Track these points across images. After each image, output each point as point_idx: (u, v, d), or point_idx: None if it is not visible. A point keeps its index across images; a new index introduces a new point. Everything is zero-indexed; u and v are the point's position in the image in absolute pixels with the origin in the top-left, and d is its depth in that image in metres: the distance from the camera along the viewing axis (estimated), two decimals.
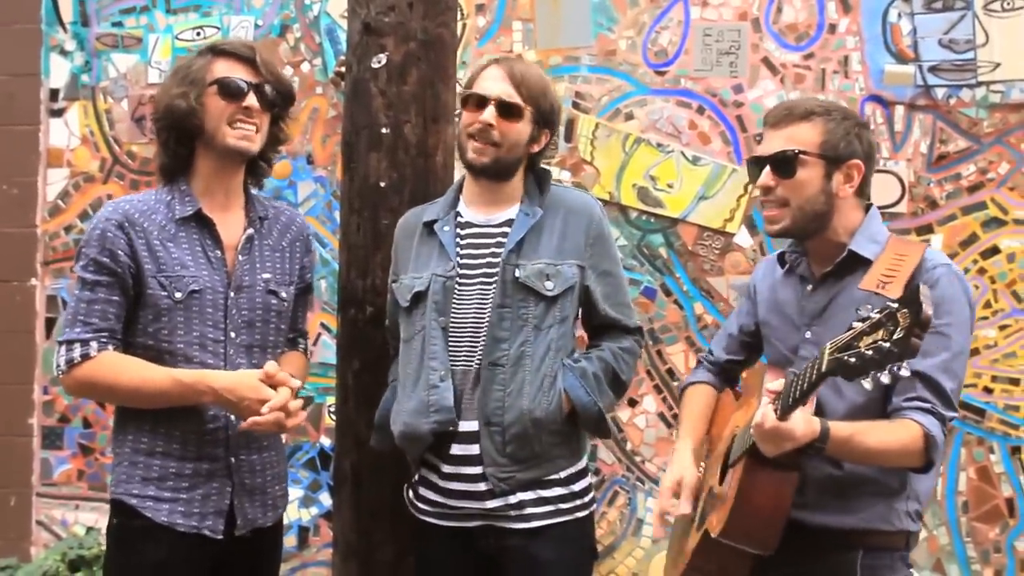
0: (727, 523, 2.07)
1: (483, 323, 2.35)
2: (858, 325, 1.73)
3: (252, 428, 2.25)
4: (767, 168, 2.21)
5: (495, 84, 2.38)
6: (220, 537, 2.34)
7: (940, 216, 3.78)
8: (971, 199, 3.77)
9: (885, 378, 1.68)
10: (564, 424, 2.38)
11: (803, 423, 1.93)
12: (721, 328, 2.66)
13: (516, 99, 2.37)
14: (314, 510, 4.28)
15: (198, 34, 4.47)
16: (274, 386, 2.28)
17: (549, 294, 2.36)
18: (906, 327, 1.63)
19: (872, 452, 2.04)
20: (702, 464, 2.43)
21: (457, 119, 2.56)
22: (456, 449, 2.36)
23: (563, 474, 2.41)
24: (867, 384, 1.71)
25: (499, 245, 2.39)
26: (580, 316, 2.53)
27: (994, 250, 3.74)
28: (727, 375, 2.58)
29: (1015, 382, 3.71)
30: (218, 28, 4.45)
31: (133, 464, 2.34)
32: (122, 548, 2.37)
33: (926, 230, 3.77)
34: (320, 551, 4.26)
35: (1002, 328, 3.71)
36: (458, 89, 2.89)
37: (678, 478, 2.34)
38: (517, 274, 2.35)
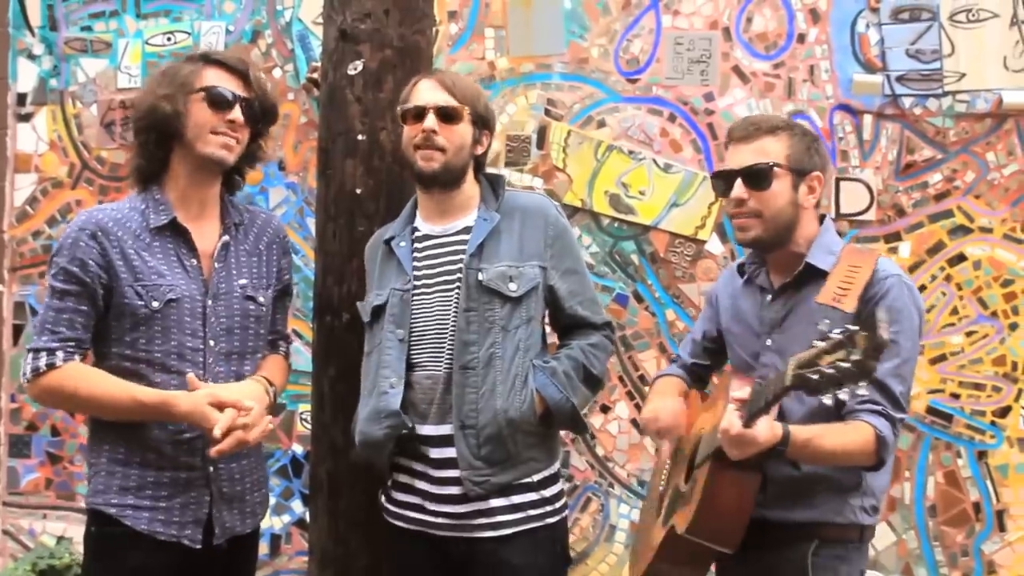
0: (692, 522, 2.17)
1: (445, 328, 2.38)
2: (819, 344, 1.84)
3: (216, 456, 2.25)
4: (738, 181, 2.30)
5: (430, 94, 2.43)
6: (199, 547, 2.33)
7: (907, 224, 3.83)
8: (938, 207, 3.82)
9: (844, 395, 1.82)
10: (538, 425, 2.39)
11: (766, 429, 2.04)
12: (688, 333, 2.76)
13: (453, 102, 2.41)
14: (286, 518, 4.26)
15: (168, 39, 4.44)
16: (223, 408, 2.26)
17: (513, 295, 2.39)
18: (864, 349, 1.76)
19: (828, 453, 2.17)
20: (667, 464, 2.52)
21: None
22: (434, 452, 2.38)
23: (536, 478, 2.42)
24: (827, 400, 1.84)
25: (456, 252, 2.43)
26: (548, 318, 2.55)
27: (960, 257, 3.79)
28: (695, 377, 2.68)
29: (981, 388, 3.77)
30: (188, 33, 4.42)
31: (110, 474, 2.33)
32: (100, 556, 2.35)
33: (894, 237, 3.82)
34: (292, 559, 4.23)
35: (968, 335, 3.76)
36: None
37: (656, 415, 2.46)
38: (480, 277, 2.38)
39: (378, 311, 2.44)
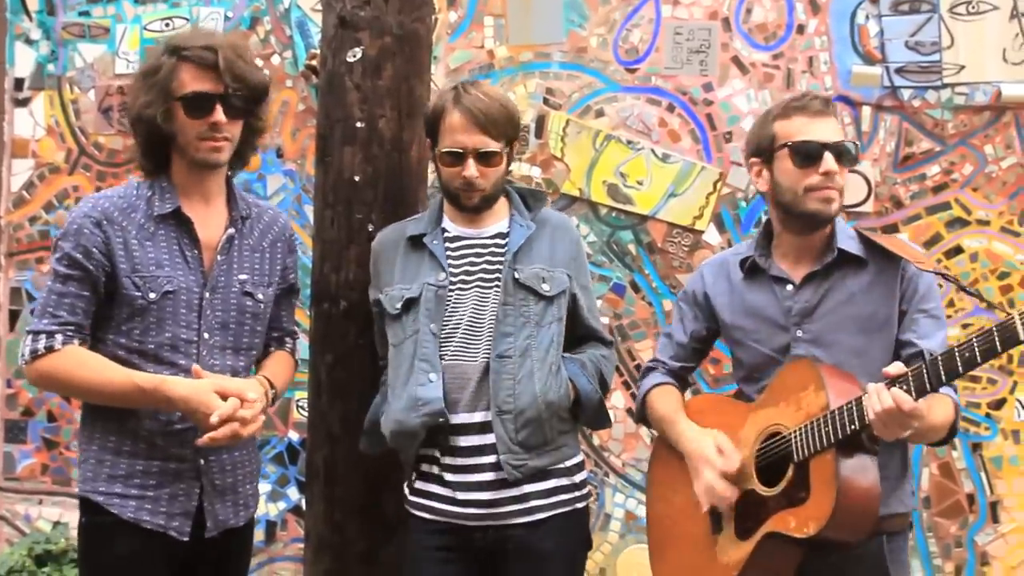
0: (832, 518, 2.05)
1: (482, 322, 2.42)
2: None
3: (208, 444, 2.24)
4: (828, 154, 2.25)
5: (467, 137, 2.41)
6: (186, 539, 2.32)
7: (905, 216, 3.84)
8: (935, 199, 3.83)
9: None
10: (569, 412, 2.46)
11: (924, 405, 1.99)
12: (664, 338, 2.65)
13: (491, 145, 2.42)
14: (282, 504, 4.27)
15: (167, 25, 4.43)
16: (227, 397, 2.25)
17: (547, 294, 2.45)
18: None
19: (934, 427, 2.14)
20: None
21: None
22: (464, 441, 2.39)
23: (568, 463, 2.47)
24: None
25: (494, 254, 2.48)
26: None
27: (957, 250, 3.80)
28: (682, 382, 2.61)
29: (976, 380, 3.78)
30: (187, 19, 4.41)
31: (100, 462, 2.32)
32: (93, 544, 2.35)
33: (891, 229, 3.82)
34: (288, 546, 4.25)
35: (965, 327, 3.77)
36: (432, 87, 2.89)
37: (714, 443, 2.31)
38: (517, 275, 2.44)
39: (409, 304, 2.46)
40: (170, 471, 2.32)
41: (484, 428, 2.38)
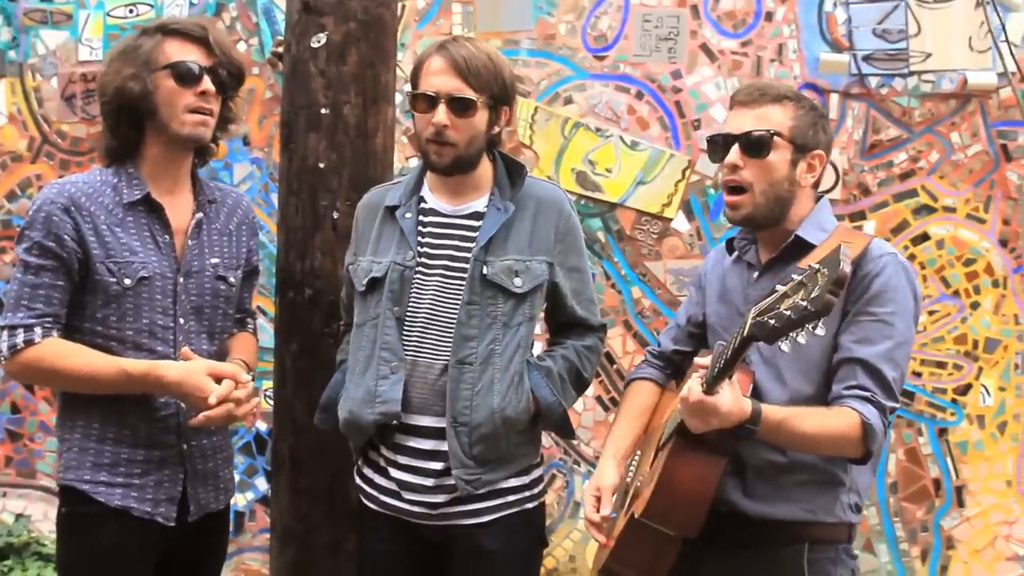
0: (649, 502, 2.03)
1: (445, 318, 2.30)
2: (780, 288, 1.72)
3: (203, 424, 2.23)
4: (736, 146, 2.14)
5: (441, 79, 2.26)
6: (173, 524, 2.31)
7: (872, 203, 3.86)
8: (902, 186, 3.86)
9: (802, 338, 1.67)
10: (530, 423, 2.36)
11: (731, 400, 1.89)
12: (671, 320, 2.60)
13: (467, 92, 2.25)
14: (250, 495, 4.24)
15: (131, 11, 4.36)
16: (220, 379, 2.25)
17: (518, 291, 2.31)
18: (822, 284, 1.62)
19: (807, 438, 1.99)
20: (637, 454, 2.40)
21: (409, 115, 2.47)
22: (413, 443, 2.32)
23: (522, 469, 2.39)
24: (784, 346, 1.69)
25: (464, 239, 2.33)
26: (545, 315, 2.50)
27: (924, 236, 3.83)
28: (674, 366, 2.49)
29: (942, 366, 3.81)
30: (151, 5, 4.35)
31: (83, 450, 2.29)
32: (73, 534, 2.32)
33: (859, 216, 3.85)
34: (256, 536, 4.22)
35: (931, 313, 3.80)
36: (398, 73, 2.86)
37: (596, 485, 2.29)
38: (485, 271, 2.29)
39: (374, 283, 2.35)
40: (155, 458, 2.30)
41: (437, 434, 2.29)
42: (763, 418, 1.93)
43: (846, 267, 1.61)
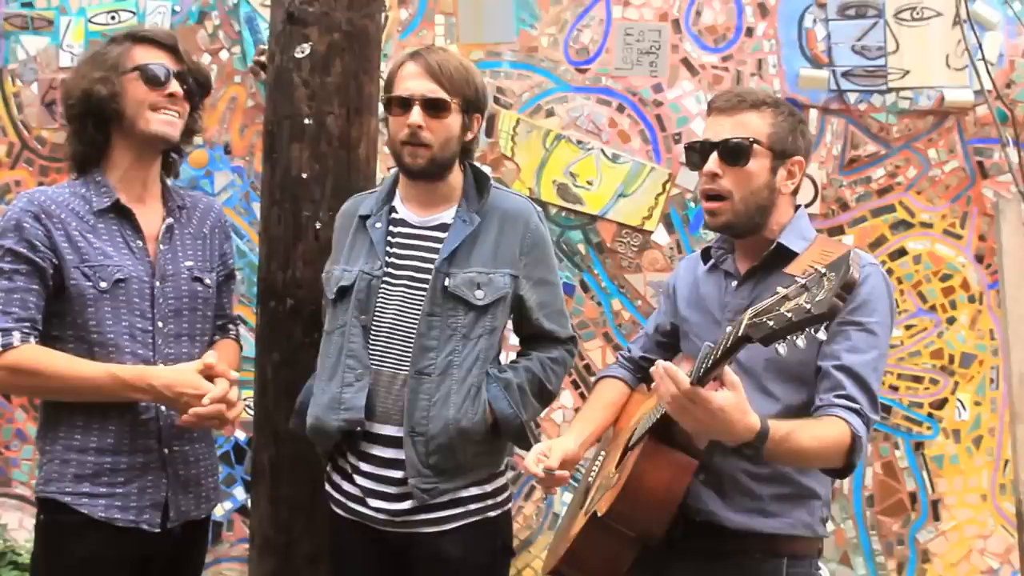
0: (615, 502, 2.00)
1: (408, 328, 2.33)
2: (782, 290, 1.67)
3: (193, 422, 2.23)
4: (714, 154, 2.12)
5: (416, 82, 2.31)
6: (157, 530, 2.31)
7: (851, 218, 3.89)
8: (880, 202, 3.89)
9: (801, 342, 1.63)
10: (488, 434, 2.36)
11: (732, 403, 1.81)
12: (641, 329, 2.61)
13: (440, 94, 2.30)
14: (228, 505, 4.21)
15: (112, 18, 4.35)
16: (212, 378, 2.26)
17: (479, 303, 2.33)
18: (829, 288, 1.58)
19: (806, 452, 1.94)
20: (601, 455, 2.41)
21: (383, 122, 2.50)
22: (376, 451, 2.35)
23: (482, 478, 2.41)
24: (782, 349, 1.64)
25: (430, 250, 2.36)
26: (512, 326, 2.51)
27: (901, 252, 3.86)
28: (644, 372, 2.47)
29: (919, 380, 3.84)
30: (133, 13, 4.34)
31: (64, 462, 2.28)
32: (50, 545, 2.30)
33: (837, 231, 3.87)
34: (234, 546, 4.20)
35: (908, 328, 3.83)
36: (381, 84, 2.87)
37: (549, 445, 2.24)
38: (447, 283, 2.31)
39: (343, 291, 2.38)
40: (138, 464, 2.30)
41: (398, 443, 2.32)
42: (771, 435, 1.86)
43: (856, 272, 1.57)
